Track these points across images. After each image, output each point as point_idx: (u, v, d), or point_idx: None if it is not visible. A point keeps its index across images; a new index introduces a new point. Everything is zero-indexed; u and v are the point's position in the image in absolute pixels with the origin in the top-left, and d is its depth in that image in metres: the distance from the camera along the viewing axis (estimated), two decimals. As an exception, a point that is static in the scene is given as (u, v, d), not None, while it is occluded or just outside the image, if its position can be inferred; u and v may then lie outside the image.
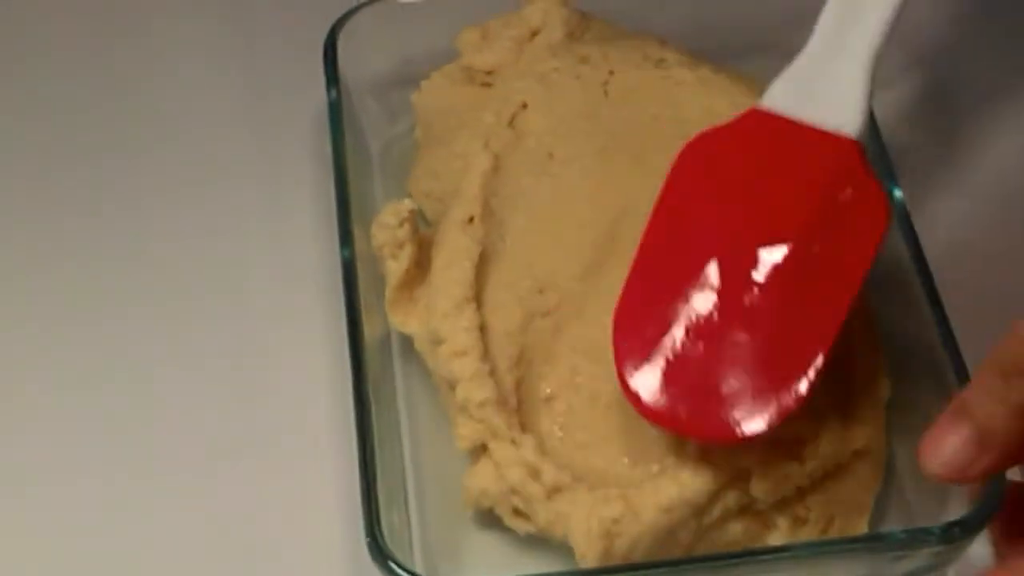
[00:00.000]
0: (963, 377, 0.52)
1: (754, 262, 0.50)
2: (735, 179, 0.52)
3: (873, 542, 0.52)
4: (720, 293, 0.50)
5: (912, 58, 0.68)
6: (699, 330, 0.50)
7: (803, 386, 0.49)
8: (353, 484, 0.51)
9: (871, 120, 0.54)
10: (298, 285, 0.63)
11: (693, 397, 0.49)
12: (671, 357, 0.50)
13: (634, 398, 0.50)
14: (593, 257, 0.56)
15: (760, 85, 0.59)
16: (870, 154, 0.54)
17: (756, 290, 0.50)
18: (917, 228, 0.55)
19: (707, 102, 0.59)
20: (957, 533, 0.50)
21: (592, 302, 0.55)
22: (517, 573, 0.51)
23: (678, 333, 0.50)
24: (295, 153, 0.67)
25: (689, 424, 0.49)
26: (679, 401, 0.49)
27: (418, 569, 0.52)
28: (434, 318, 0.54)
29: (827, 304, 0.50)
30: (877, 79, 0.52)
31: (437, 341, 0.54)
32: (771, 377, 0.49)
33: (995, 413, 0.45)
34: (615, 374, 0.50)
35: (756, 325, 0.50)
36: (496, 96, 0.61)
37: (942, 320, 0.53)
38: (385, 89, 0.65)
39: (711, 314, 0.50)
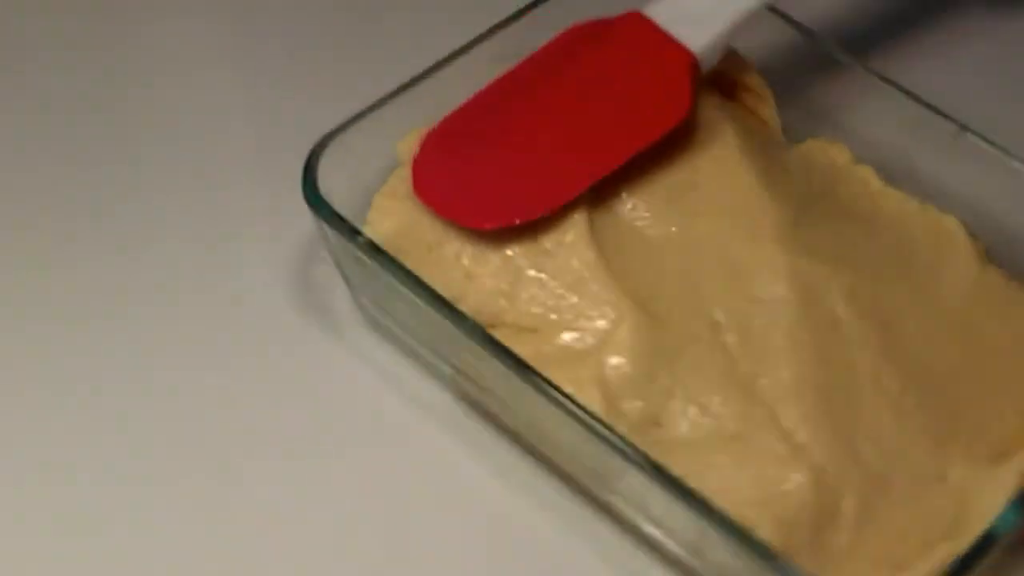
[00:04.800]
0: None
1: (563, 110, 0.59)
2: (589, 57, 0.61)
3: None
4: (523, 129, 0.59)
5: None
6: (492, 152, 0.59)
7: (550, 207, 0.57)
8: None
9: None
10: (297, 286, 0.63)
11: (466, 196, 0.58)
12: (457, 163, 0.58)
13: (419, 190, 0.58)
14: None
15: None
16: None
17: (553, 128, 0.59)
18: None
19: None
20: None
21: None
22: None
23: (469, 148, 0.59)
24: (296, 154, 0.66)
25: (454, 213, 0.57)
26: (452, 197, 0.58)
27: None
28: None
29: (599, 156, 0.58)
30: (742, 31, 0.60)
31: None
32: (530, 188, 0.58)
33: None
34: None
35: (541, 157, 0.58)
36: None
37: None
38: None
39: (508, 141, 0.59)
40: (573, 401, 0.52)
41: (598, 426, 0.52)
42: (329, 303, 0.62)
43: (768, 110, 0.65)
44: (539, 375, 0.53)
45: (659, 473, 0.51)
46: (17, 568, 0.56)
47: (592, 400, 0.53)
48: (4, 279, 0.64)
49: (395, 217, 0.59)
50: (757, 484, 0.52)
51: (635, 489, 0.53)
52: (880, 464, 0.53)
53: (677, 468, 0.51)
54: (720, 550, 0.51)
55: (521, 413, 0.56)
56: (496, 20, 0.64)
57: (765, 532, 0.51)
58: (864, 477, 0.53)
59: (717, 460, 0.53)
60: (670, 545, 0.54)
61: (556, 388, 0.52)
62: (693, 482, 0.51)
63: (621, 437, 0.51)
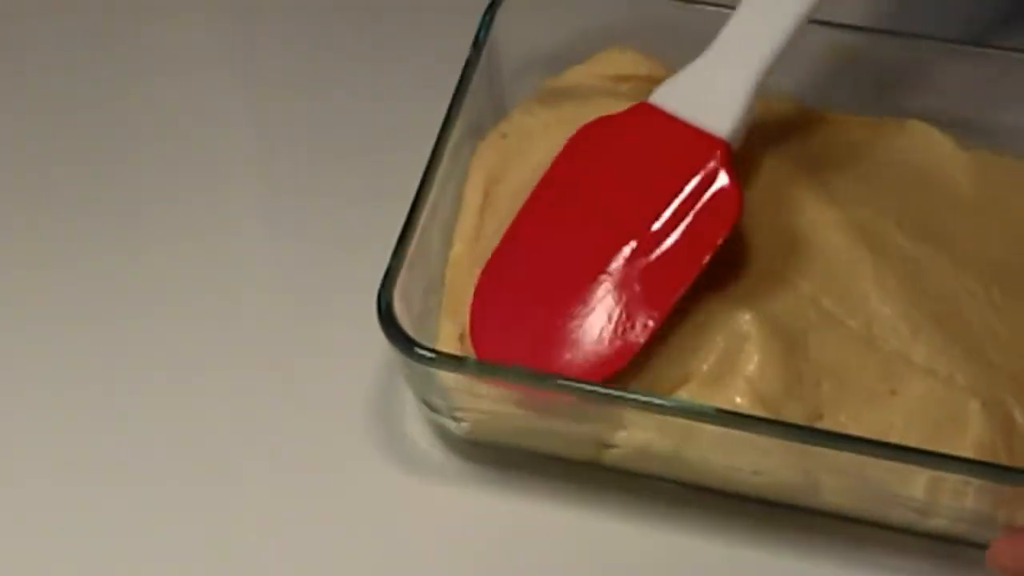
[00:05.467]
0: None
1: (610, 235, 0.55)
2: (612, 162, 0.57)
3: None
4: (575, 261, 0.55)
5: None
6: (549, 290, 0.55)
7: (631, 346, 0.54)
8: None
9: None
10: (299, 287, 0.63)
11: (536, 348, 0.54)
12: (520, 312, 0.55)
13: (479, 344, 0.55)
14: None
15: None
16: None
17: (606, 260, 0.55)
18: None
19: None
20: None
21: None
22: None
23: (530, 292, 0.56)
24: (297, 155, 0.67)
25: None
26: (519, 349, 0.54)
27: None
28: None
29: (668, 279, 0.54)
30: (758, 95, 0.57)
31: None
32: (606, 337, 0.54)
33: None
34: None
35: (600, 292, 0.55)
36: None
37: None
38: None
39: (563, 277, 0.55)
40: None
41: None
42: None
43: None
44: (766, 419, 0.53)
45: (901, 451, 0.51)
46: (16, 567, 0.56)
47: None
48: (3, 279, 0.64)
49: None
50: (940, 428, 0.53)
51: (851, 481, 0.53)
52: (1009, 359, 0.55)
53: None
54: (952, 498, 0.52)
55: (706, 455, 0.54)
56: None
57: None
58: (1008, 377, 0.55)
59: (894, 422, 0.54)
60: (895, 515, 0.55)
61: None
62: None
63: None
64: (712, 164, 0.56)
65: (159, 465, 0.58)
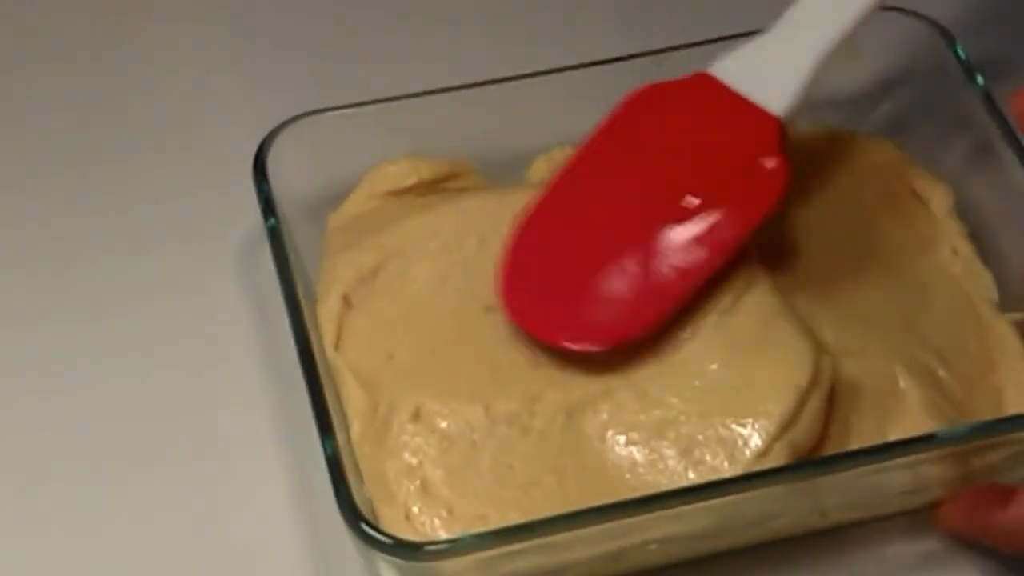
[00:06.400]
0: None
1: (652, 199, 0.56)
2: (663, 128, 0.57)
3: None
4: (615, 223, 0.56)
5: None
6: (585, 257, 0.56)
7: (656, 317, 0.54)
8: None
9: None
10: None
11: (567, 314, 0.55)
12: (553, 278, 0.56)
13: (512, 310, 0.55)
14: None
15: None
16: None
17: (646, 224, 0.56)
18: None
19: None
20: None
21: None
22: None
23: (565, 258, 0.56)
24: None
25: (557, 336, 0.54)
26: (553, 316, 0.55)
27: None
28: None
29: (702, 253, 0.55)
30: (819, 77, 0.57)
31: None
32: (636, 307, 0.55)
33: None
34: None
35: (636, 256, 0.55)
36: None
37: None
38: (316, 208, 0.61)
39: (600, 243, 0.56)
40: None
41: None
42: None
43: None
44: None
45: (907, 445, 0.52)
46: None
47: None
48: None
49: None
50: (887, 406, 0.55)
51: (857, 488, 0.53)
52: (895, 317, 0.57)
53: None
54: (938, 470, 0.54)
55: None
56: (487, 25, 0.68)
57: None
58: (904, 332, 0.57)
59: (850, 419, 0.54)
60: (895, 502, 0.55)
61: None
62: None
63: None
64: (764, 140, 0.56)
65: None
